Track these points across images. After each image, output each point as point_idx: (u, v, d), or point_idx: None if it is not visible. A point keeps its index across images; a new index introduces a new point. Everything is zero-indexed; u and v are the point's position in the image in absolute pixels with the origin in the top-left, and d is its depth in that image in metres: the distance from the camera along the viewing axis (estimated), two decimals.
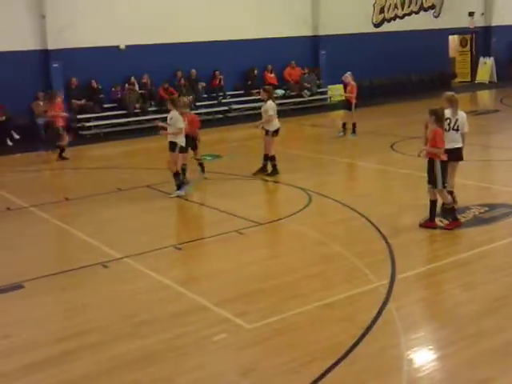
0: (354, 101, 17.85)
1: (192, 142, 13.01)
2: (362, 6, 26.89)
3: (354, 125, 17.88)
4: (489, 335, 6.32)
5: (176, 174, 12.17)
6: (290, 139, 19.52)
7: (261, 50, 23.75)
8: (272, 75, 24.37)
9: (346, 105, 18.26)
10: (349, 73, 18.21)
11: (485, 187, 12.27)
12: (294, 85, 24.53)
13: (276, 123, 13.60)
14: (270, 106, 13.46)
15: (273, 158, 13.62)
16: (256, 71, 23.92)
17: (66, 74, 20.02)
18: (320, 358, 6.00)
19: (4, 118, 18.79)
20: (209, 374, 5.92)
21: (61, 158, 16.70)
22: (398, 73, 26.87)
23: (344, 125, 18.08)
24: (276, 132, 13.63)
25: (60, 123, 16.83)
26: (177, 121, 11.99)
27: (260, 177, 13.47)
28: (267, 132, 13.54)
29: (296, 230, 10.04)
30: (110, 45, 20.79)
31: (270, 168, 13.58)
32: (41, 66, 19.89)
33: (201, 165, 13.64)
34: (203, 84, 22.71)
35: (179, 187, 12.15)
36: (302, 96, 24.61)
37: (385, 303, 7.06)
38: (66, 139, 16.98)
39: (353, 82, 17.99)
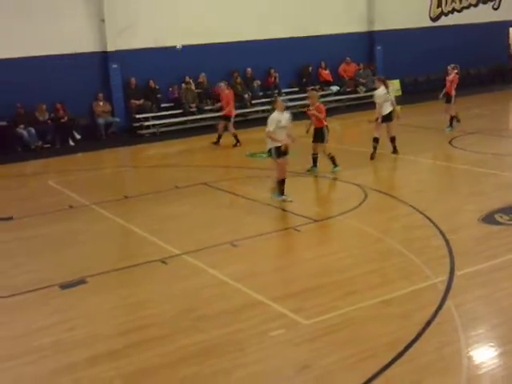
0: (453, 93, 17.62)
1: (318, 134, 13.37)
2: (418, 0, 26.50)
3: (451, 118, 17.71)
4: None
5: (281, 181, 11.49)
6: (346, 135, 19.48)
7: (315, 47, 23.68)
8: (327, 72, 24.27)
9: (446, 97, 17.92)
10: (452, 65, 18.05)
11: None
12: (349, 81, 24.38)
13: (386, 109, 14.59)
14: (379, 94, 14.64)
15: (393, 139, 14.77)
16: (310, 68, 23.87)
17: (124, 74, 20.43)
18: (377, 354, 6.00)
19: (66, 118, 19.30)
20: (265, 368, 6.00)
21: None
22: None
23: (451, 118, 17.76)
24: (387, 117, 14.59)
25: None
26: (268, 123, 11.26)
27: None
28: (378, 118, 14.56)
29: (352, 227, 10.02)
30: (167, 45, 21.10)
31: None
32: (100, 67, 20.35)
33: (331, 159, 13.53)
34: (258, 82, 22.79)
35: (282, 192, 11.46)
36: (357, 92, 24.44)
37: (443, 300, 7.00)
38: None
39: (453, 75, 17.72)
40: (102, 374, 6.05)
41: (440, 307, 6.83)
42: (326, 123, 13.43)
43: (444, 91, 17.79)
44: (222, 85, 18.45)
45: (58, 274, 8.66)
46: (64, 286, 8.20)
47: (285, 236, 9.69)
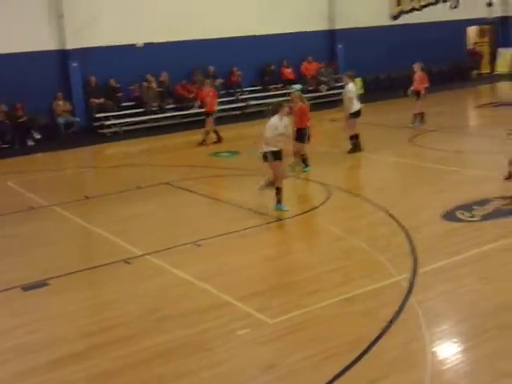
0: (422, 91, 17.97)
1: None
2: None
3: (421, 114, 18.05)
4: (509, 331, 6.30)
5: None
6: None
7: (277, 46, 23.74)
8: (289, 70, 24.35)
9: (414, 94, 18.28)
10: (417, 63, 18.38)
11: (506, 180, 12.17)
12: (311, 79, 24.47)
13: (356, 105, 14.83)
14: (349, 89, 14.81)
15: (357, 137, 14.93)
16: (273, 67, 23.92)
17: (84, 73, 20.18)
18: (342, 352, 6.02)
19: (25, 118, 18.97)
20: (232, 368, 5.97)
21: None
22: None
23: (416, 114, 18.13)
24: (356, 114, 14.83)
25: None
26: (265, 129, 10.73)
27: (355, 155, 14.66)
28: (349, 114, 14.79)
29: (316, 225, 10.07)
30: (128, 43, 20.90)
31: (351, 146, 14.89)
32: (60, 65, 20.07)
33: (304, 159, 13.55)
34: (221, 80, 22.75)
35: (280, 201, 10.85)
36: (319, 91, 24.55)
37: (407, 297, 7.06)
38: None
39: (420, 72, 18.10)
40: (65, 377, 5.95)
41: (403, 304, 6.89)
42: (308, 124, 13.39)
43: (412, 88, 18.16)
44: (208, 81, 18.68)
45: (20, 275, 8.51)
46: (26, 288, 8.06)
47: (249, 235, 9.67)
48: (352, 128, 15.06)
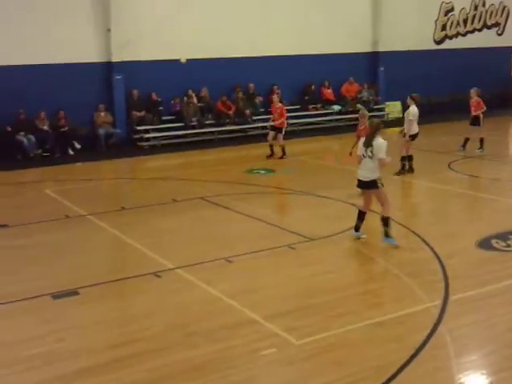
0: (481, 115, 17.86)
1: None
2: (423, 22, 26.59)
3: (481, 140, 17.79)
4: None
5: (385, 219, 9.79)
6: (344, 155, 19.44)
7: (319, 66, 23.75)
8: (329, 91, 24.33)
9: (473, 120, 18.08)
10: (474, 88, 18.26)
11: None
12: (351, 101, 24.42)
13: (415, 128, 14.96)
14: (411, 111, 14.92)
15: (411, 158, 15.08)
16: (313, 86, 23.94)
17: (127, 85, 20.48)
18: (368, 377, 5.95)
19: (66, 128, 19.31)
20: None
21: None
22: (458, 90, 26.42)
23: (466, 140, 17.89)
24: (415, 136, 14.99)
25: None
26: (380, 150, 9.60)
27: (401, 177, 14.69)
28: (406, 135, 14.98)
29: (348, 247, 9.99)
30: (171, 58, 21.18)
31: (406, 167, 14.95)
32: (104, 77, 20.41)
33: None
34: (260, 98, 22.86)
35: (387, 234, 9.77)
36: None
37: (436, 325, 6.96)
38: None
39: (476, 98, 18.00)
40: None
41: (433, 332, 6.78)
42: None
43: (472, 115, 18.05)
44: (275, 97, 18.72)
45: (51, 283, 8.61)
46: (56, 296, 8.15)
47: (279, 254, 9.65)
48: (407, 149, 15.14)
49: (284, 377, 6.12)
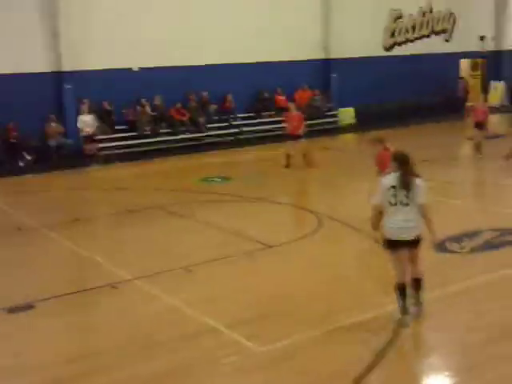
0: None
1: None
2: (372, 29, 27.00)
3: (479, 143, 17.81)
4: (501, 362, 6.25)
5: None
6: (300, 162, 19.54)
7: (272, 73, 23.84)
8: (282, 98, 24.43)
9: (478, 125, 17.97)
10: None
11: (496, 211, 12.19)
12: (305, 108, 24.52)
13: None
14: None
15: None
16: (266, 94, 24.01)
17: (78, 95, 20.17)
18: (332, 382, 5.94)
19: (17, 139, 18.90)
20: None
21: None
22: (409, 96, 26.91)
23: (477, 145, 17.87)
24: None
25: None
26: (422, 192, 7.06)
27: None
28: None
29: (306, 253, 10.00)
30: (123, 67, 20.97)
31: None
32: (54, 87, 20.07)
33: None
34: (214, 106, 22.82)
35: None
36: (311, 118, 24.61)
37: (398, 327, 7.00)
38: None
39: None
40: None
41: (395, 335, 6.82)
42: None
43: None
44: (291, 105, 18.23)
45: (5, 297, 8.40)
46: (11, 310, 7.94)
47: (239, 261, 9.60)
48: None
49: None
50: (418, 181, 7.04)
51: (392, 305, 7.46)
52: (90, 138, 19.77)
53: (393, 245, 7.12)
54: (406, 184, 6.95)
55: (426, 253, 9.51)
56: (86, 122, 19.71)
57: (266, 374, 6.23)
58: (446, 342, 6.85)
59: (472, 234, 10.29)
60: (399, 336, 6.80)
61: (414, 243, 7.11)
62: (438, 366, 6.33)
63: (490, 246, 9.87)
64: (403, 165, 7.06)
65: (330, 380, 6.00)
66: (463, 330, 7.05)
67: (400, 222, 6.99)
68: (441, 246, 9.81)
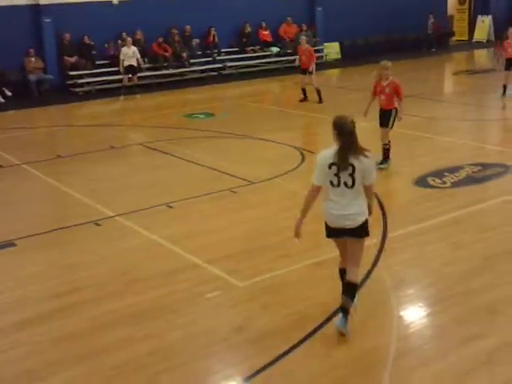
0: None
1: None
2: None
3: (504, 86, 16.60)
4: (477, 293, 6.38)
5: None
6: (284, 98, 19.42)
7: (256, 7, 23.39)
8: (266, 32, 24.02)
9: (509, 65, 16.47)
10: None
11: (478, 146, 12.25)
12: (289, 42, 24.16)
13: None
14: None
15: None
16: (250, 28, 23.56)
17: (57, 29, 19.71)
18: (310, 315, 6.05)
19: None
20: (200, 330, 5.97)
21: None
22: (395, 31, 26.54)
23: (504, 87, 16.58)
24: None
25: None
26: (371, 172, 5.78)
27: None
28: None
29: (289, 189, 10.03)
30: (103, 0, 20.45)
31: None
32: (32, 21, 19.57)
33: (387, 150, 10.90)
34: (197, 41, 22.40)
35: None
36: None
37: (375, 262, 7.10)
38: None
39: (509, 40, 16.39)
40: (29, 338, 5.90)
41: (372, 269, 6.93)
42: (396, 105, 10.75)
43: (504, 57, 16.61)
44: (303, 38, 17.77)
45: None
46: None
47: (221, 198, 9.62)
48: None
49: (228, 318, 6.17)
50: (365, 160, 5.56)
51: (375, 238, 7.54)
52: (133, 70, 19.79)
53: (334, 233, 5.88)
54: (346, 162, 5.49)
55: (406, 188, 9.65)
56: (127, 54, 19.68)
57: (247, 307, 6.33)
58: (422, 275, 6.96)
59: (453, 169, 10.34)
60: (375, 270, 6.90)
61: (358, 232, 5.70)
62: (413, 299, 6.45)
63: (471, 180, 9.93)
64: (343, 136, 5.51)
65: (311, 311, 6.10)
66: (440, 263, 7.16)
67: (343, 207, 5.68)
68: (422, 181, 9.91)
